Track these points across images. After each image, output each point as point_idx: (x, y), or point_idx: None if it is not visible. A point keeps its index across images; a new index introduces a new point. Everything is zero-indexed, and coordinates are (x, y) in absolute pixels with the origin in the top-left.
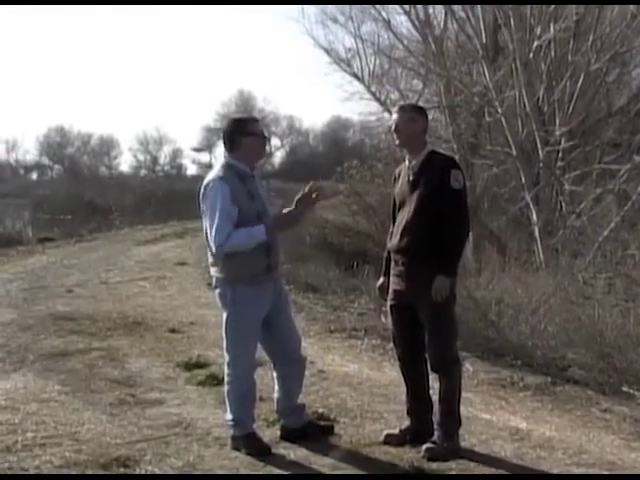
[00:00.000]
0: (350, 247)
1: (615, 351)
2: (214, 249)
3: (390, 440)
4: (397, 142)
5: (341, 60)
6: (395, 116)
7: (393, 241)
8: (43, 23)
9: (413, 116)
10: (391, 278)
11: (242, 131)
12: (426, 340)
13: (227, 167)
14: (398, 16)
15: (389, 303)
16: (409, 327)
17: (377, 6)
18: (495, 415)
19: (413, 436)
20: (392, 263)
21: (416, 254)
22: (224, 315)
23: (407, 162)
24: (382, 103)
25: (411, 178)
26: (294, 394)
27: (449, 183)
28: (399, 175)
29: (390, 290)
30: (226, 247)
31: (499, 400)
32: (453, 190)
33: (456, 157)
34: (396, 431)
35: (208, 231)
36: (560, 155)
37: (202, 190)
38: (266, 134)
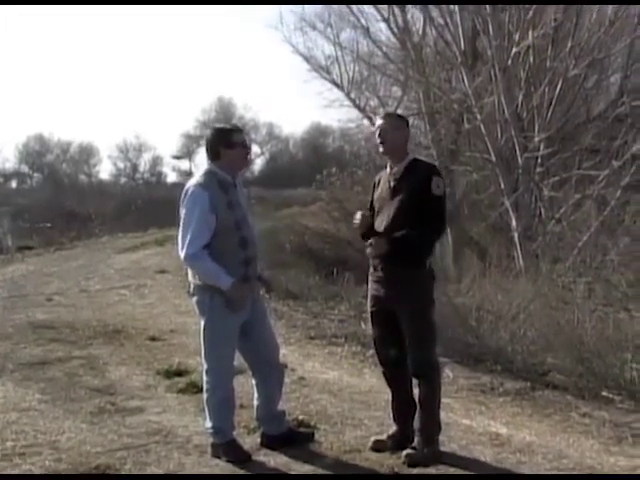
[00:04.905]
0: (330, 254)
1: (594, 356)
2: (182, 256)
3: (378, 446)
4: (381, 149)
5: (320, 67)
6: (381, 122)
7: (371, 247)
8: (21, 31)
9: (399, 125)
10: (370, 284)
11: (224, 142)
12: (406, 345)
13: (209, 174)
14: (377, 23)
15: (370, 310)
16: (391, 332)
17: (356, 13)
18: (475, 420)
19: (396, 442)
20: (371, 269)
21: (394, 258)
22: (202, 322)
23: (389, 169)
24: (361, 110)
25: (392, 184)
26: (274, 401)
27: (430, 189)
28: (379, 182)
29: (370, 296)
30: (193, 262)
31: (479, 405)
32: (434, 196)
33: (436, 164)
34: (384, 437)
35: (181, 237)
36: (539, 161)
37: (182, 195)
38: (249, 144)
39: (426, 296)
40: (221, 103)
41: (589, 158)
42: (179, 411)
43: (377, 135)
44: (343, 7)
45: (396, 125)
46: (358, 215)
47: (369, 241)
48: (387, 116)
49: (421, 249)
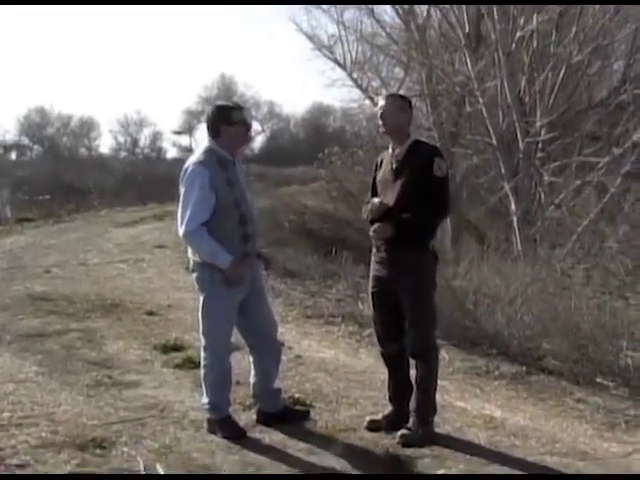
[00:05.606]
0: (329, 233)
1: (590, 342)
2: (181, 233)
3: (373, 426)
4: (383, 130)
5: (323, 46)
6: (383, 103)
7: (376, 232)
8: (24, 5)
9: (403, 106)
10: (372, 265)
11: (225, 119)
12: (406, 326)
13: (209, 152)
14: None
15: (371, 290)
16: (391, 313)
17: None
18: (470, 403)
19: (391, 422)
20: (373, 249)
21: (398, 240)
22: (201, 298)
23: (391, 150)
24: (364, 90)
25: (394, 166)
26: (270, 379)
27: (432, 171)
28: (381, 163)
29: (371, 277)
30: (192, 240)
31: (474, 388)
32: (436, 178)
33: (437, 145)
34: (379, 417)
35: (180, 215)
36: (540, 146)
37: (182, 173)
38: (250, 122)
39: (428, 278)
40: (223, 80)
41: (590, 145)
42: (175, 386)
43: (379, 116)
44: None
45: (399, 106)
46: (376, 201)
47: (373, 226)
48: (390, 97)
49: (425, 232)
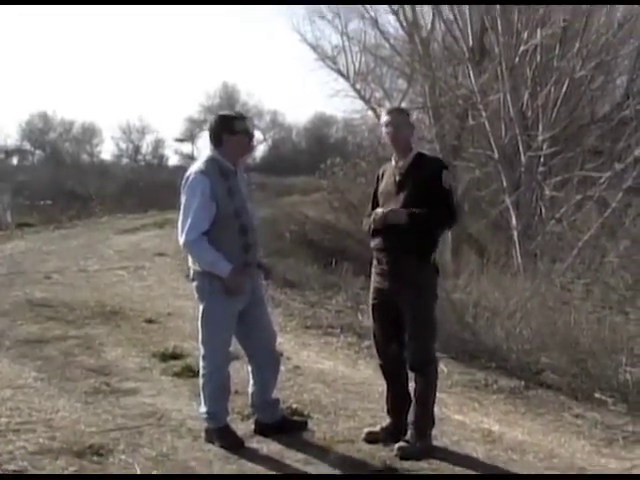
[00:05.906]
0: (330, 244)
1: (589, 357)
2: (182, 242)
3: (371, 438)
4: (395, 144)
5: (327, 57)
6: (392, 118)
7: (377, 239)
8: (26, 10)
9: (410, 121)
10: (373, 277)
11: (227, 129)
12: (406, 339)
13: (210, 161)
14: (385, 15)
15: (371, 302)
16: (391, 325)
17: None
18: (468, 417)
19: (389, 434)
20: (374, 262)
21: (401, 252)
22: (200, 308)
23: (394, 162)
24: (366, 101)
25: (397, 178)
26: (269, 389)
27: (441, 183)
28: (383, 175)
29: (372, 289)
30: (192, 249)
31: (472, 402)
32: (444, 189)
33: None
34: (377, 429)
35: (180, 223)
36: (542, 160)
37: (183, 181)
38: (253, 132)
39: (429, 291)
40: (225, 89)
41: (592, 159)
42: (173, 394)
43: (390, 130)
44: None
45: (408, 122)
46: (379, 211)
47: (385, 211)
48: (398, 111)
49: (427, 243)
